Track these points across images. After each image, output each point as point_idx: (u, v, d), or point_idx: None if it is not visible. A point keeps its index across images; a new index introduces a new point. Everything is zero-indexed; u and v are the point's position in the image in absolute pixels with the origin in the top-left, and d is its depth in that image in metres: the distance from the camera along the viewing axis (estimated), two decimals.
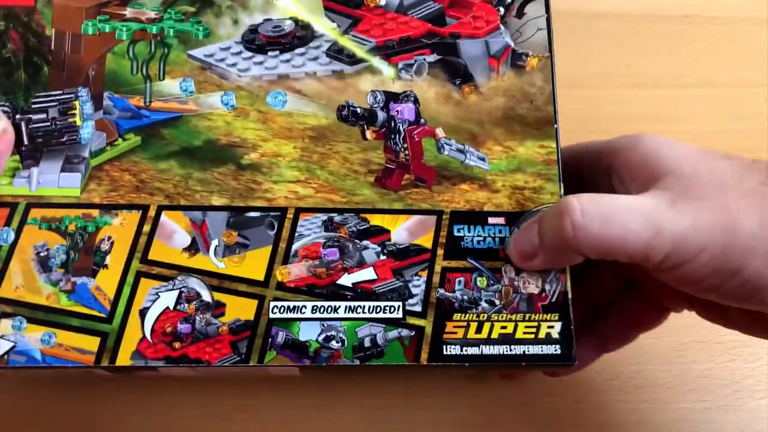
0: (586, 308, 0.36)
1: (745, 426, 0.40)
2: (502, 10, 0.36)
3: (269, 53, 0.34)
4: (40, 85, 0.33)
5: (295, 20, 0.35)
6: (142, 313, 0.31)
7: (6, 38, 0.34)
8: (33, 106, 0.33)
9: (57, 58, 0.34)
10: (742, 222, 0.27)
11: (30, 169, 0.32)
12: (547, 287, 0.32)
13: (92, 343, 0.30)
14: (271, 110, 0.34)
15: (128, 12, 0.34)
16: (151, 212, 0.32)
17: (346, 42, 0.35)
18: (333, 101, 0.34)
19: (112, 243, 0.32)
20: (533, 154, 0.34)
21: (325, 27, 0.35)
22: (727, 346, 0.43)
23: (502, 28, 0.36)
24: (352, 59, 0.35)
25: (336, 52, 0.35)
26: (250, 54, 0.34)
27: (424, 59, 0.35)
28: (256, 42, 0.35)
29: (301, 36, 0.35)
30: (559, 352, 0.32)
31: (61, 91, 0.33)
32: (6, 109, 0.33)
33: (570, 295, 0.32)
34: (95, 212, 0.32)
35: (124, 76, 0.34)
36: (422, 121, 0.34)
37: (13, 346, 0.30)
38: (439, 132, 0.34)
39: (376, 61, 0.35)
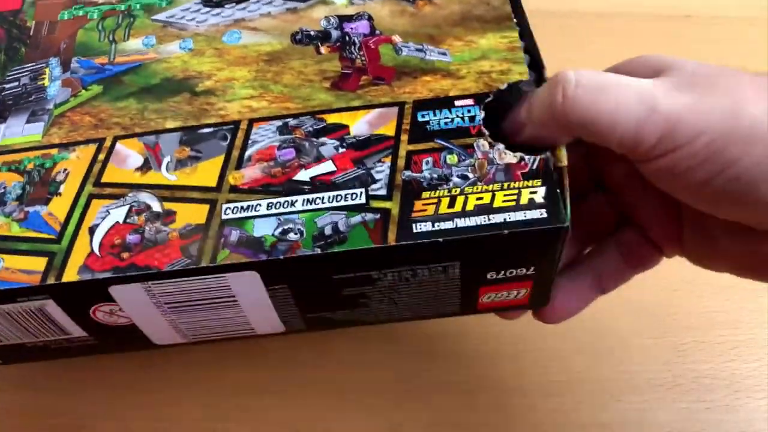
0: (581, 244, 0.34)
1: (745, 426, 0.39)
2: None
3: (226, 6, 0.36)
4: (17, 62, 0.35)
5: None
6: (92, 230, 0.29)
7: None
8: (7, 77, 0.35)
9: (34, 41, 0.36)
10: (747, 108, 0.25)
11: None
12: (527, 156, 0.28)
13: (39, 263, 0.28)
14: (226, 46, 0.34)
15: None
16: (107, 143, 0.31)
17: None
18: (287, 31, 0.34)
19: (67, 174, 0.31)
20: (496, 44, 0.32)
21: None
22: (727, 346, 0.42)
23: None
24: None
25: None
26: (208, 9, 0.36)
27: None
28: (214, 0, 0.36)
29: None
30: (545, 216, 0.27)
31: (34, 63, 0.35)
32: None
33: (560, 164, 0.28)
34: (54, 151, 0.32)
35: (92, 44, 0.35)
36: (378, 32, 0.34)
37: None
38: (396, 38, 0.33)
39: None
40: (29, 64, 0.35)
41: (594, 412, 0.40)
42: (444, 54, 0.32)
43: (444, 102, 0.31)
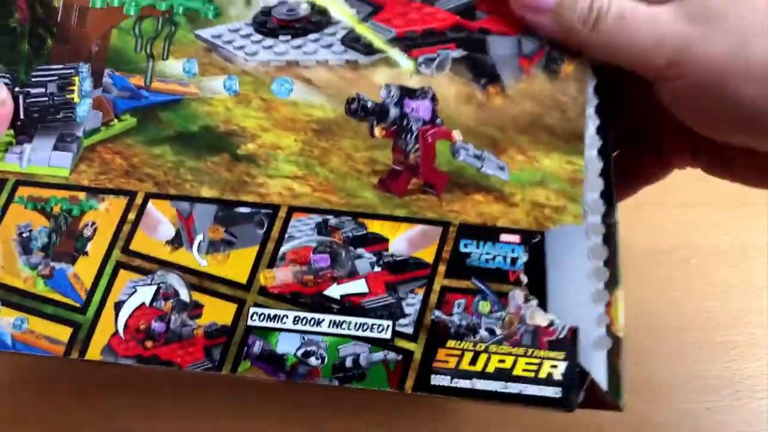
0: None
1: (745, 426, 0.40)
2: None
3: (280, 37, 0.32)
4: (43, 58, 0.32)
5: (312, 4, 0.32)
6: (117, 306, 0.29)
7: (14, 6, 0.33)
8: (33, 79, 0.32)
9: (62, 32, 0.32)
10: (751, 44, 0.27)
11: (23, 145, 0.31)
12: (557, 321, 0.29)
13: (64, 333, 0.29)
14: (275, 98, 0.31)
15: None
16: (138, 200, 0.30)
17: (363, 30, 0.32)
18: (343, 93, 0.31)
19: (95, 229, 0.30)
20: (559, 169, 0.30)
21: (343, 13, 0.32)
22: (727, 346, 0.42)
23: None
24: (369, 49, 0.32)
25: (352, 41, 0.32)
26: (260, 37, 0.32)
27: (448, 54, 0.32)
28: (268, 25, 0.32)
29: (316, 21, 0.32)
30: (559, 396, 0.28)
31: (62, 66, 0.32)
32: (7, 81, 0.32)
33: (618, 333, 0.28)
34: (82, 195, 0.30)
35: (127, 54, 0.32)
36: (438, 121, 0.31)
37: None
38: (456, 135, 0.31)
39: (395, 53, 0.32)
40: (57, 66, 0.32)
41: (594, 412, 0.39)
42: (502, 169, 0.30)
43: (490, 233, 0.30)
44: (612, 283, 0.29)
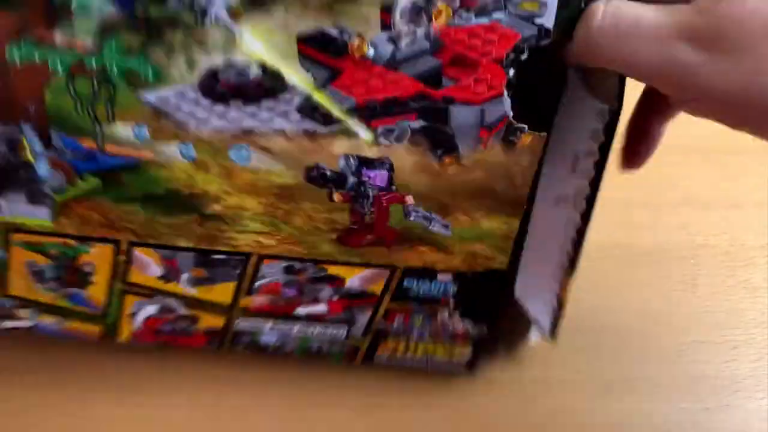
0: None
1: (745, 426, 0.40)
2: (511, 72, 0.30)
3: (232, 104, 0.30)
4: None
5: (263, 67, 0.29)
6: (131, 316, 0.37)
7: None
8: None
9: None
10: (765, 74, 0.24)
11: None
12: (472, 329, 0.38)
13: (95, 329, 0.37)
14: (234, 165, 0.31)
15: (58, 37, 0.28)
16: (123, 246, 0.34)
17: (321, 98, 0.30)
18: (302, 161, 0.31)
19: (93, 267, 0.35)
20: (496, 228, 0.34)
21: (299, 78, 0.29)
22: (728, 346, 0.43)
23: (506, 94, 0.30)
24: (327, 119, 0.30)
25: (309, 110, 0.30)
26: (209, 103, 0.30)
27: (408, 126, 0.31)
28: (217, 90, 0.29)
29: (269, 87, 0.29)
30: (464, 362, 0.39)
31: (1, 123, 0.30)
32: None
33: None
34: (71, 241, 0.34)
35: (69, 116, 0.30)
36: (393, 188, 0.33)
37: (36, 325, 0.37)
38: (409, 199, 0.33)
39: (354, 123, 0.30)
40: None
41: (594, 412, 0.40)
42: (446, 227, 0.34)
43: (429, 273, 0.35)
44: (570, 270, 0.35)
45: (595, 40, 0.27)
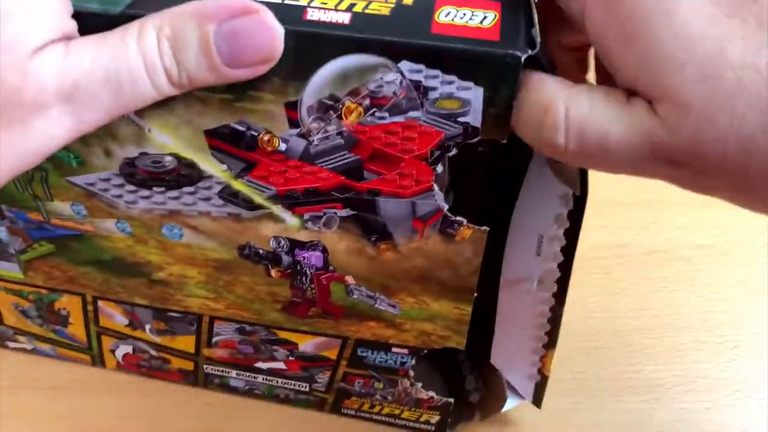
0: None
1: (745, 426, 0.40)
2: (439, 168, 0.26)
3: (154, 189, 0.29)
4: None
5: (177, 158, 0.28)
6: (111, 351, 0.39)
7: None
8: None
9: None
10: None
11: None
12: (436, 396, 0.36)
13: (85, 357, 0.40)
14: (168, 240, 0.31)
15: None
16: (89, 298, 0.35)
17: (240, 186, 0.28)
18: (232, 240, 0.31)
19: (68, 311, 0.37)
20: (447, 312, 0.32)
21: (214, 168, 0.28)
22: (727, 346, 0.43)
23: (436, 189, 0.27)
24: (250, 204, 0.29)
25: (230, 195, 0.29)
26: (133, 188, 0.29)
27: (335, 213, 0.29)
28: (137, 176, 0.29)
29: (186, 174, 0.28)
30: (433, 426, 0.38)
31: None
32: None
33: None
34: (43, 291, 0.35)
35: (12, 193, 0.31)
36: (331, 268, 0.31)
37: (34, 348, 0.40)
38: (349, 279, 0.31)
39: (278, 210, 0.29)
40: None
41: (594, 412, 0.40)
42: (394, 306, 0.32)
43: (383, 346, 0.34)
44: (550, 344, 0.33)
45: (559, 156, 0.24)
